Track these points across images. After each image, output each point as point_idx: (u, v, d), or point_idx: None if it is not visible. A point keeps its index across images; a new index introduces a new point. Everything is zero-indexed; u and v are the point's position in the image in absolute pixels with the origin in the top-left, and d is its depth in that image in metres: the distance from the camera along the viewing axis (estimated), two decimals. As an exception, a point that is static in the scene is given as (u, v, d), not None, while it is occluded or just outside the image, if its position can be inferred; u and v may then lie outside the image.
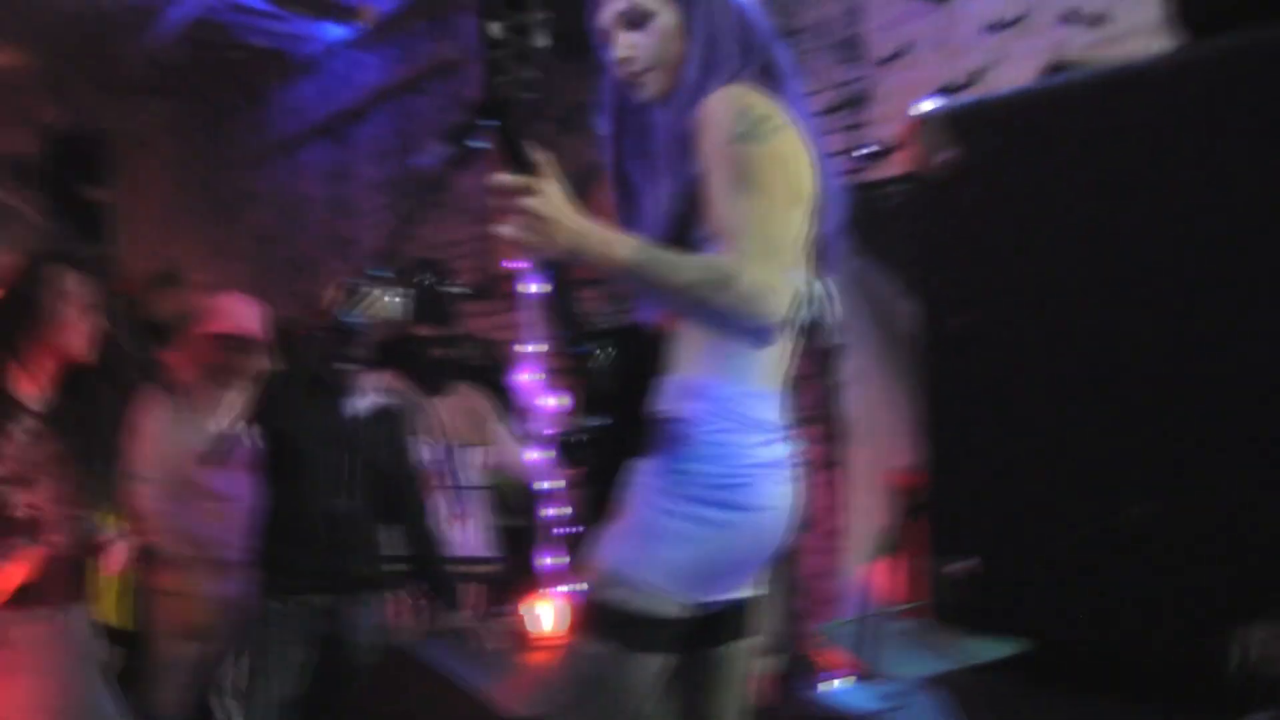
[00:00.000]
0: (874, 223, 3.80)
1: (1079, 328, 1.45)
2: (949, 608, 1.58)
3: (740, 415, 2.07)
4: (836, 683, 3.24)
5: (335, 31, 7.35)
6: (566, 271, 2.19)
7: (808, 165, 2.08)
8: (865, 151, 3.86)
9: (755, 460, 2.06)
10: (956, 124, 1.52)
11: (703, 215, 2.03)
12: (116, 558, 3.40)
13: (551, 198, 1.95)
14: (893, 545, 3.06)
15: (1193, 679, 1.35)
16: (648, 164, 2.21)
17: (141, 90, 8.22)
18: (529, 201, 1.94)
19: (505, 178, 1.96)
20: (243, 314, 4.30)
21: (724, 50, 2.11)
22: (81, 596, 3.25)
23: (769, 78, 2.12)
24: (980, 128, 1.52)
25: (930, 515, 2.08)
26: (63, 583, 3.13)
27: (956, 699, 1.62)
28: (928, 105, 1.51)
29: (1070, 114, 1.43)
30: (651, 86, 2.18)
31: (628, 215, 2.23)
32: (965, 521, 1.67)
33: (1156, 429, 1.39)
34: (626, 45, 2.18)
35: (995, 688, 1.74)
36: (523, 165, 1.98)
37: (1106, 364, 1.43)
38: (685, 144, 2.06)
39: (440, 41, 6.54)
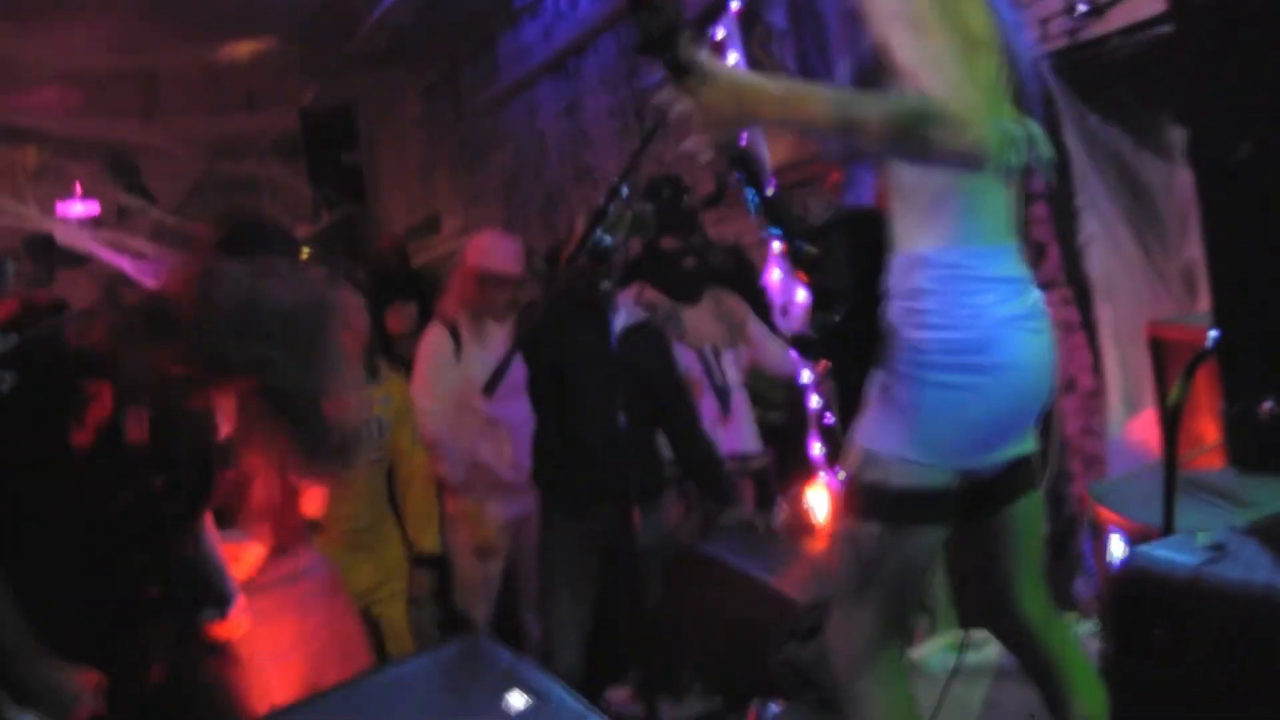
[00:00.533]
0: (1103, 78, 3.66)
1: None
2: (1248, 451, 1.51)
3: (975, 275, 2.01)
4: (1121, 540, 3.18)
5: (552, -30, 7.46)
6: (766, 175, 2.18)
7: (979, 8, 2.00)
8: (1083, 7, 3.70)
9: (998, 317, 2.01)
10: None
11: (887, 85, 1.96)
12: (314, 500, 3.64)
13: (717, 84, 1.94)
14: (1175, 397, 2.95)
15: None
16: (826, 52, 2.17)
17: (380, 57, 8.54)
18: (683, 106, 1.95)
19: (661, 97, 1.98)
20: (501, 250, 4.48)
21: None
22: (305, 538, 3.51)
23: None
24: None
25: (1220, 360, 1.99)
26: (285, 529, 3.37)
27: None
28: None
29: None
30: None
31: None
32: (1261, 361, 1.59)
33: None
34: None
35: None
36: (681, 73, 1.97)
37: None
38: (855, 16, 2.00)
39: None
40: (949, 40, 1.89)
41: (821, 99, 1.94)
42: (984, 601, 2.36)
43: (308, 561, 3.60)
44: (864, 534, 2.10)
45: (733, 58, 4.21)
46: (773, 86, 1.96)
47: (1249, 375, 1.60)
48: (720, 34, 4.18)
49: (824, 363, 2.22)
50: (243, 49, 8.44)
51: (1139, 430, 3.45)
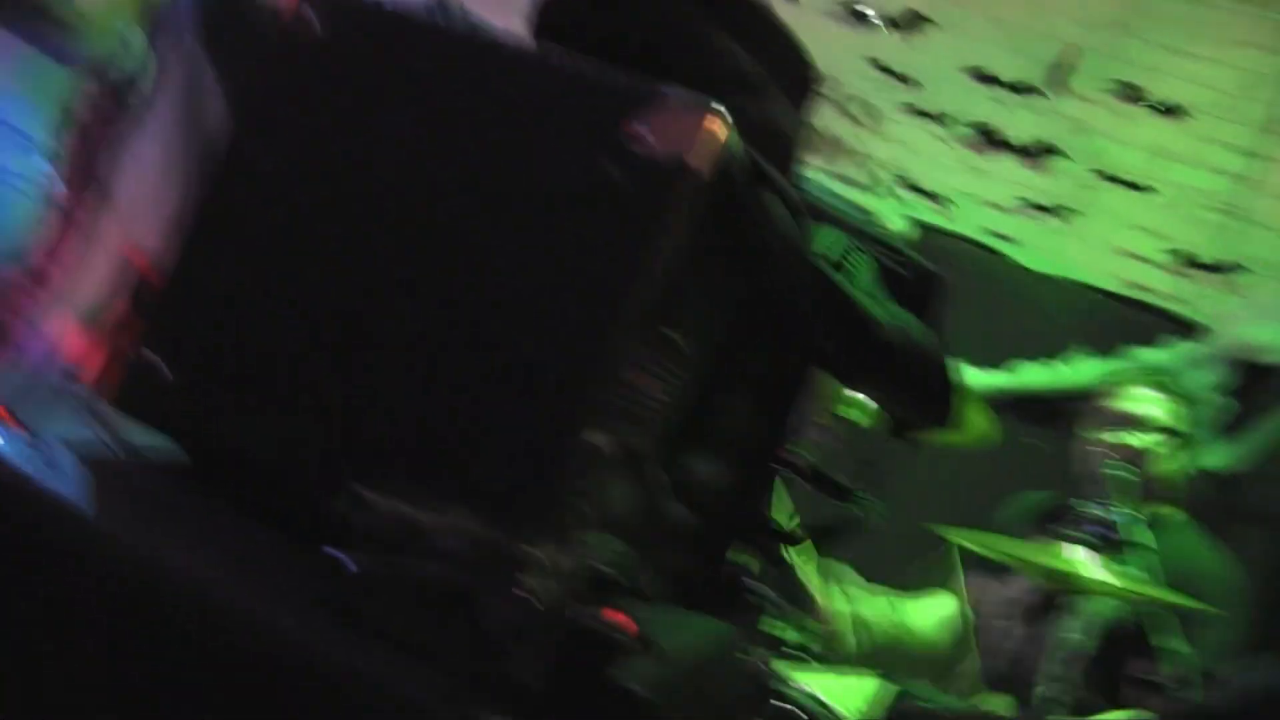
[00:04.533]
0: (222, 23, 3.54)
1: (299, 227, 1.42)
2: (123, 392, 1.48)
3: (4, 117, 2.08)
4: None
5: None
6: None
7: None
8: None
9: None
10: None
11: None
12: None
13: None
14: (101, 316, 2.90)
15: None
16: None
17: None
18: None
19: None
20: None
21: None
22: None
23: None
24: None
25: (146, 306, 1.98)
26: None
27: (96, 478, 1.51)
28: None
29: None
30: None
31: None
32: (170, 324, 1.57)
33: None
34: None
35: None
36: None
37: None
38: None
39: None
40: None
41: None
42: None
43: None
44: None
45: None
46: None
47: (159, 330, 1.59)
48: None
49: None
50: None
51: (72, 336, 3.28)
